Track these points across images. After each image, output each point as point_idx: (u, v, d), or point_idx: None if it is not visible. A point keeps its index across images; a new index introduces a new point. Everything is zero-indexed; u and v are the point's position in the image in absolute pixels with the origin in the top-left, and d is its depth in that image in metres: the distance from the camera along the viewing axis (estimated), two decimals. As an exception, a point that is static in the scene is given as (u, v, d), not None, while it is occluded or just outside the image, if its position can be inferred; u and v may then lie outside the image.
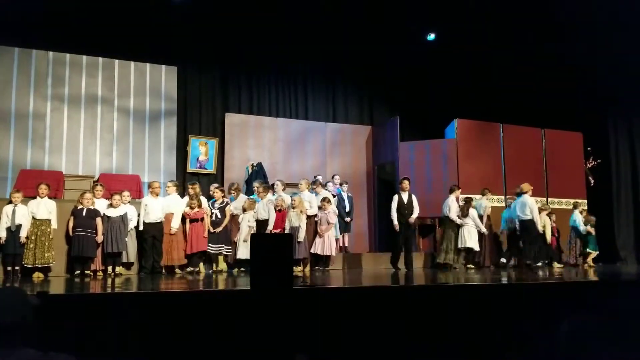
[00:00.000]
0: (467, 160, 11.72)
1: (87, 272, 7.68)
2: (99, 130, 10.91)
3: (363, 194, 12.91)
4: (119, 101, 11.15)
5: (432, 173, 11.83)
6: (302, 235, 8.54)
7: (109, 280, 6.84)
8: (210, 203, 8.73)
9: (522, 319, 4.58)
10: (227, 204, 8.65)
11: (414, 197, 9.47)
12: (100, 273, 7.91)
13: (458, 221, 10.01)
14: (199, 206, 8.50)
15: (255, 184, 9.45)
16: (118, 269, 7.90)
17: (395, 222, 9.14)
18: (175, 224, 8.33)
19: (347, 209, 10.87)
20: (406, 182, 9.41)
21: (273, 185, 10.98)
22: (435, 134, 12.52)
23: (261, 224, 8.52)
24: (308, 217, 8.89)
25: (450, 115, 12.29)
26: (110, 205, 8.14)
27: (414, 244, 11.61)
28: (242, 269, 8.33)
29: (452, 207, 10.15)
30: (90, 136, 10.83)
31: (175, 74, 11.66)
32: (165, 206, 8.41)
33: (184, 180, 11.67)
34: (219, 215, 8.56)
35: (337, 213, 9.87)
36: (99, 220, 7.89)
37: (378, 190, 12.84)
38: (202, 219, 8.46)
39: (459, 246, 9.98)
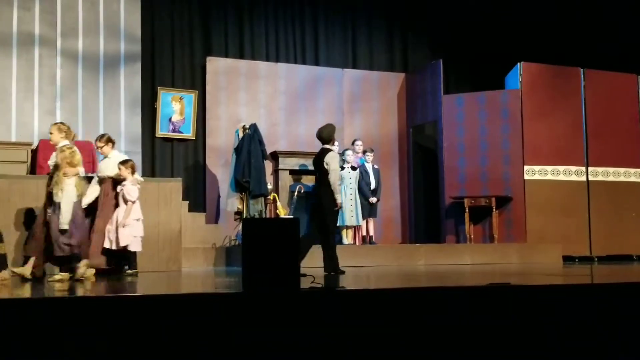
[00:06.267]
0: (536, 118, 11.62)
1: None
2: (37, 82, 10.84)
3: (394, 165, 12.87)
4: (63, 42, 11.06)
5: (488, 136, 11.74)
6: (65, 219, 6.70)
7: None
8: None
9: None
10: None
11: None
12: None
13: None
14: None
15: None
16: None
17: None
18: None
19: (373, 185, 10.82)
20: None
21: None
22: (493, 84, 12.41)
23: None
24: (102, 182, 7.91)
25: (512, 57, 12.15)
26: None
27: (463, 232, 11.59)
28: None
29: None
30: (26, 89, 10.76)
31: (139, 4, 11.53)
32: None
33: (152, 148, 11.64)
34: None
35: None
36: None
37: (414, 161, 12.76)
38: None
39: None
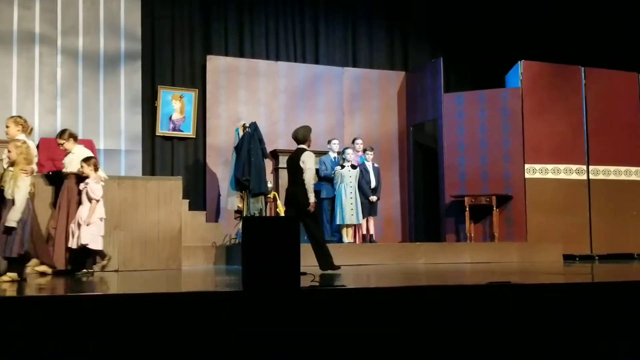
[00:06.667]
0: (537, 117, 11.61)
1: None
2: (38, 80, 10.85)
3: (394, 164, 12.86)
4: (63, 40, 11.06)
5: (488, 134, 11.73)
6: (16, 216, 6.20)
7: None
8: None
9: None
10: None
11: None
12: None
13: None
14: None
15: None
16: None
17: None
18: None
19: (373, 184, 10.78)
20: None
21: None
22: (493, 82, 12.40)
23: None
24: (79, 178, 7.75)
25: (513, 56, 12.14)
26: None
27: (463, 231, 11.58)
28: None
29: None
30: (26, 88, 10.77)
31: (139, 3, 11.53)
32: None
33: (152, 146, 11.63)
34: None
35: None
36: None
37: (414, 159, 12.75)
38: None
39: None
